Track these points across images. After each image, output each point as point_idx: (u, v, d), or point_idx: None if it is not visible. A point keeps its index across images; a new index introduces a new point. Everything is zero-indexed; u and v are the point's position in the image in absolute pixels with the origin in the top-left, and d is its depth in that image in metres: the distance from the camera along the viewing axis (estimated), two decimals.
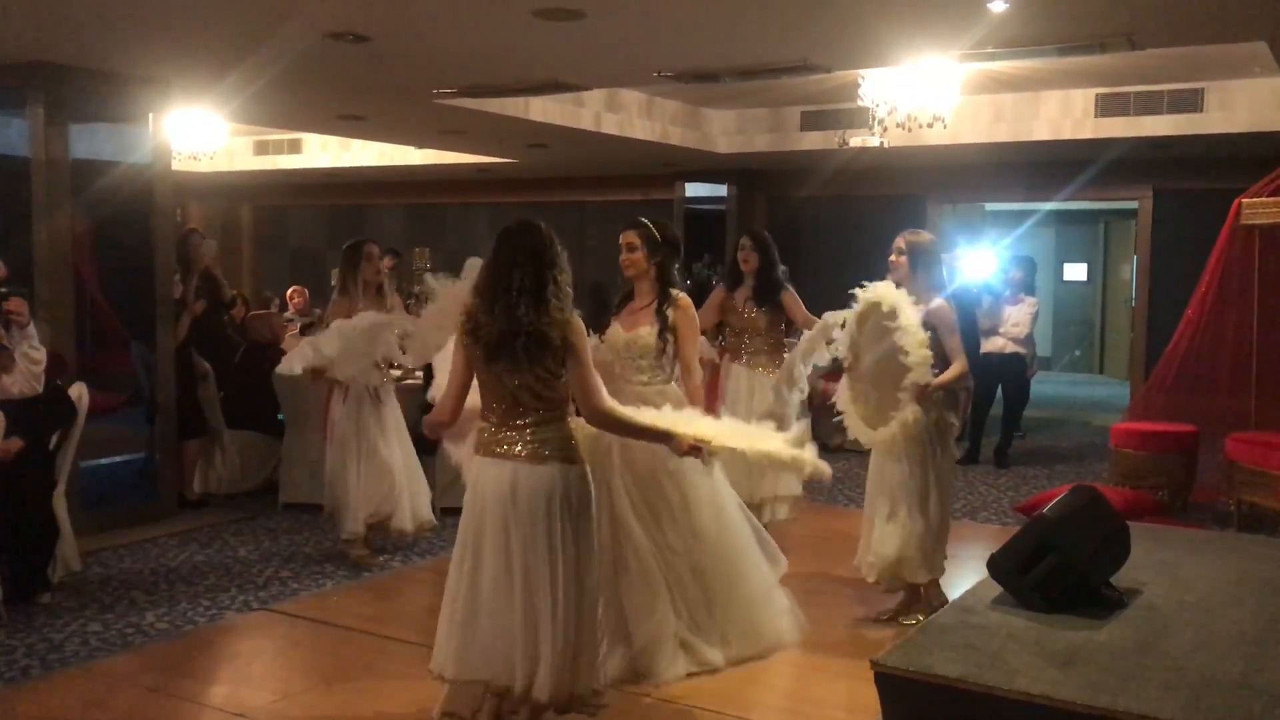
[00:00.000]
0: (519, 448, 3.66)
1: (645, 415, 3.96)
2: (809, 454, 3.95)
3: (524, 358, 3.59)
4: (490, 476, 3.69)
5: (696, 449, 3.83)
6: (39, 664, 4.70)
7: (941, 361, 5.02)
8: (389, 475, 6.13)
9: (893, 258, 5.25)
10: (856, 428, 5.20)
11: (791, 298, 6.33)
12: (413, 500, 6.24)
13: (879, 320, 5.03)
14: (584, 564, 3.74)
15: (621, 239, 4.72)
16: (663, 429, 3.85)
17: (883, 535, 5.12)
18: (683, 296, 4.72)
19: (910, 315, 4.93)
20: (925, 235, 5.34)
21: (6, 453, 5.34)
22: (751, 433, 4.09)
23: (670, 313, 4.65)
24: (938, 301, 5.14)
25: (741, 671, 4.52)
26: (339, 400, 6.10)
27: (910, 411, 4.93)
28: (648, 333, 4.65)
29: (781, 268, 6.44)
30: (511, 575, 3.67)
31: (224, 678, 4.70)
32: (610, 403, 3.79)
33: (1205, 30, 6.20)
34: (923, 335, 4.90)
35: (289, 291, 12.04)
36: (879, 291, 5.05)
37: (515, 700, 3.70)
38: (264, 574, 6.04)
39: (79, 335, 6.86)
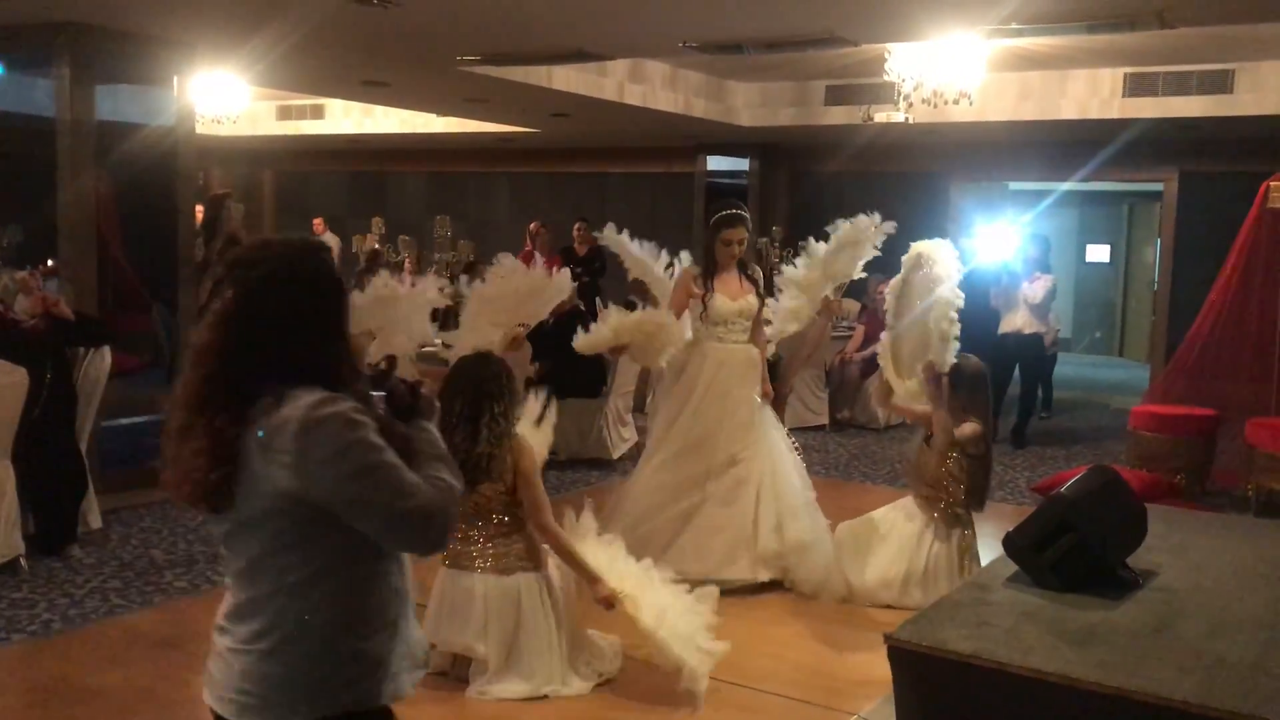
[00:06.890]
0: (484, 561, 4.03)
1: (583, 555, 4.13)
2: (694, 660, 3.99)
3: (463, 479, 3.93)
4: (460, 588, 4.04)
5: (610, 604, 4.05)
6: (60, 619, 4.76)
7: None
8: None
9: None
10: (891, 376, 5.38)
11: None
12: None
13: (926, 274, 5.25)
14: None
15: None
16: (592, 571, 4.08)
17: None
18: (755, 267, 5.61)
19: (947, 271, 5.19)
20: (975, 360, 5.10)
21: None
22: (662, 608, 4.11)
23: (757, 280, 5.48)
24: (970, 427, 5.02)
25: (755, 644, 4.56)
26: None
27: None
28: (753, 299, 5.39)
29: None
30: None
31: None
32: (555, 525, 4.09)
33: (1237, 9, 6.12)
34: (947, 307, 5.09)
35: None
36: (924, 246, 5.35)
37: None
38: None
39: (101, 296, 6.89)
